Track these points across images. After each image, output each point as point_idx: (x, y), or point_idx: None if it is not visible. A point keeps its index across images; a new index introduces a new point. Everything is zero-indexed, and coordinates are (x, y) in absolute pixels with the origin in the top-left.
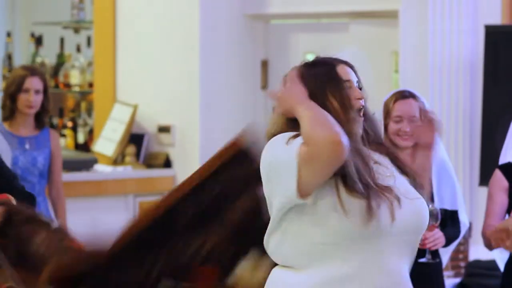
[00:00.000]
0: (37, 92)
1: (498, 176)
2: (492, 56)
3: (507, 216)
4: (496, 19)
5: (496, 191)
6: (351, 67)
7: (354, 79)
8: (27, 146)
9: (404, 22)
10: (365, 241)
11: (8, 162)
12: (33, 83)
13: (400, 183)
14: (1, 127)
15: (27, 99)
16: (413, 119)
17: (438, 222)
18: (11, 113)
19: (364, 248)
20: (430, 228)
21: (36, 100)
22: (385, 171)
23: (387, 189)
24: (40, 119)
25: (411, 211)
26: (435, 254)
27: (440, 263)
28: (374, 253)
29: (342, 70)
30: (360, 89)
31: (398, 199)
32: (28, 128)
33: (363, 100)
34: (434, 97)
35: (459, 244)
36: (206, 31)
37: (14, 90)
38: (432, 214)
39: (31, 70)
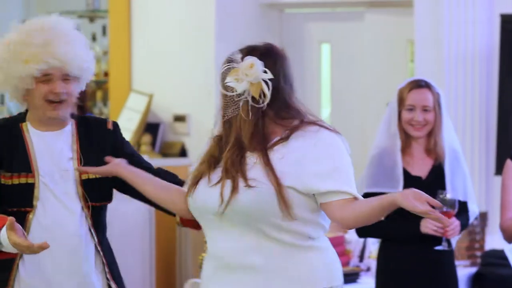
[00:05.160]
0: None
1: (510, 166)
2: (508, 45)
3: None
4: None
5: (509, 181)
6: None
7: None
8: None
9: (419, 11)
10: None
11: None
12: None
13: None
14: None
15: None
16: (426, 108)
17: (455, 210)
18: None
19: None
20: (448, 215)
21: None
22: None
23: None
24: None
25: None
26: (449, 242)
27: (453, 251)
28: None
29: None
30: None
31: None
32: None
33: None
34: (450, 86)
35: (475, 233)
36: (221, 20)
37: None
38: (449, 202)
39: None
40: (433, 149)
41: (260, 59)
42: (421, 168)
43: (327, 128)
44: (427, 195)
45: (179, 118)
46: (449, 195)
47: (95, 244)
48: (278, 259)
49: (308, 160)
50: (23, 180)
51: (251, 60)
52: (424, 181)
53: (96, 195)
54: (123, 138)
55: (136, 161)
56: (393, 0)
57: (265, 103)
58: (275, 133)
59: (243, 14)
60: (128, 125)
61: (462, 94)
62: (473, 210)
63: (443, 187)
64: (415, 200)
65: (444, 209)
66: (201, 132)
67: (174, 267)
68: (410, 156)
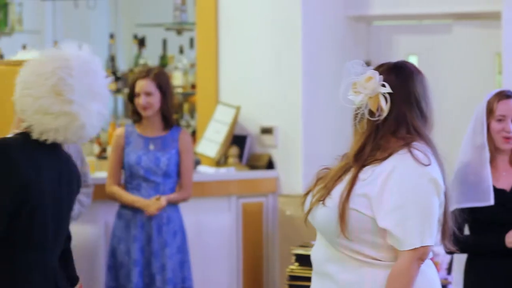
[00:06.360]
0: (147, 94)
1: None
2: None
3: None
4: None
5: None
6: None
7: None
8: (151, 147)
9: (507, 23)
10: None
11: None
12: (143, 85)
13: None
14: (132, 129)
15: (138, 102)
16: None
17: None
18: (137, 116)
19: None
20: None
21: (149, 101)
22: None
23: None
24: (166, 120)
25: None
26: None
27: None
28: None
29: None
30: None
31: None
32: (155, 129)
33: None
34: None
35: None
36: (308, 32)
37: (130, 94)
38: None
39: (143, 72)
40: None
41: (383, 73)
42: (506, 180)
43: (412, 155)
44: None
45: (266, 130)
46: None
47: None
48: (350, 272)
49: (381, 189)
50: None
51: (370, 73)
52: (509, 194)
53: None
54: None
55: None
56: (481, 12)
57: (381, 117)
58: (389, 148)
59: (330, 27)
60: (216, 137)
61: None
62: None
63: None
64: None
65: None
66: (288, 144)
67: (262, 280)
68: (495, 168)
